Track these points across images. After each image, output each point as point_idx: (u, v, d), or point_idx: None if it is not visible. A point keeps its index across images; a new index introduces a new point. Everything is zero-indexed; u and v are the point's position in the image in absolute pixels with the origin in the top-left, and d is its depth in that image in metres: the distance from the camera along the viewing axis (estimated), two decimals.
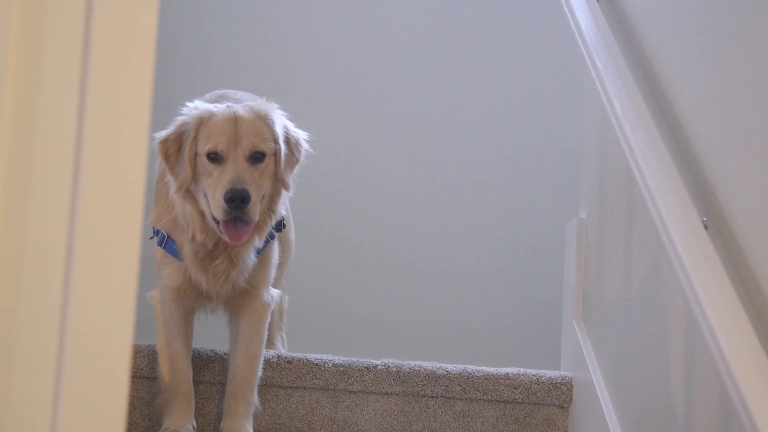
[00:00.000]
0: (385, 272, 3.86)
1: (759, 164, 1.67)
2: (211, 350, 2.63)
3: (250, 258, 2.38)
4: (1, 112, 0.93)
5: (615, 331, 2.34)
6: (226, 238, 2.24)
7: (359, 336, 3.81)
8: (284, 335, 2.92)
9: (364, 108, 3.92)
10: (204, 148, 2.26)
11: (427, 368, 2.62)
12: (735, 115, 1.79)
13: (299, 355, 2.65)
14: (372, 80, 3.93)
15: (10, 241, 0.94)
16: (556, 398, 2.60)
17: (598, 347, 2.48)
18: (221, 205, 2.21)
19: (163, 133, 2.32)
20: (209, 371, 2.59)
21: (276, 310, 2.79)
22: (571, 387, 2.60)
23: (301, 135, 2.41)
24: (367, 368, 2.61)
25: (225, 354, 2.59)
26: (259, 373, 2.47)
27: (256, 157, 2.28)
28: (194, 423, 2.45)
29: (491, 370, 2.63)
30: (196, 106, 2.35)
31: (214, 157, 2.26)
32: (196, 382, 2.53)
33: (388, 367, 2.62)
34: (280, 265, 2.61)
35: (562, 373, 2.67)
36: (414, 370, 2.62)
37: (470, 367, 2.64)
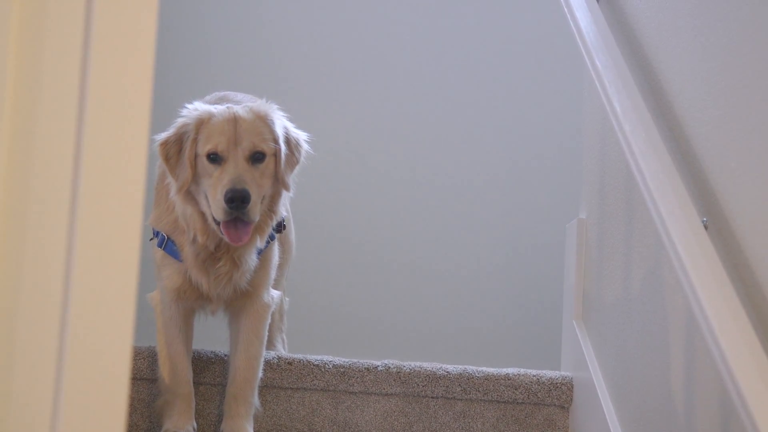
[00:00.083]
0: (385, 272, 3.86)
1: (759, 164, 1.67)
2: (212, 351, 2.62)
3: (252, 259, 2.38)
4: (1, 112, 0.93)
5: (615, 331, 2.34)
6: (226, 239, 2.24)
7: (359, 337, 3.81)
8: (284, 336, 2.92)
9: (364, 108, 3.92)
10: (204, 148, 2.27)
11: (428, 369, 2.62)
12: (735, 115, 1.79)
13: (300, 356, 2.65)
14: (372, 80, 3.93)
15: (10, 241, 0.93)
16: (556, 398, 2.60)
17: (598, 347, 2.48)
18: (221, 206, 2.21)
19: (163, 135, 2.32)
20: (209, 373, 2.59)
21: (276, 311, 2.79)
22: (572, 387, 2.60)
23: (301, 135, 2.41)
24: (368, 369, 2.61)
25: (225, 355, 2.59)
26: (260, 374, 2.47)
27: (257, 158, 2.28)
28: (195, 424, 2.45)
29: (492, 370, 2.63)
30: (195, 108, 2.35)
31: (214, 158, 2.26)
32: (197, 384, 2.53)
33: (389, 367, 2.62)
34: (281, 266, 2.61)
35: (563, 373, 2.67)
36: (414, 370, 2.62)
37: (471, 368, 2.64)
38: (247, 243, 2.29)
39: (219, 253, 2.34)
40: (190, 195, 2.30)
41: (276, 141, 2.31)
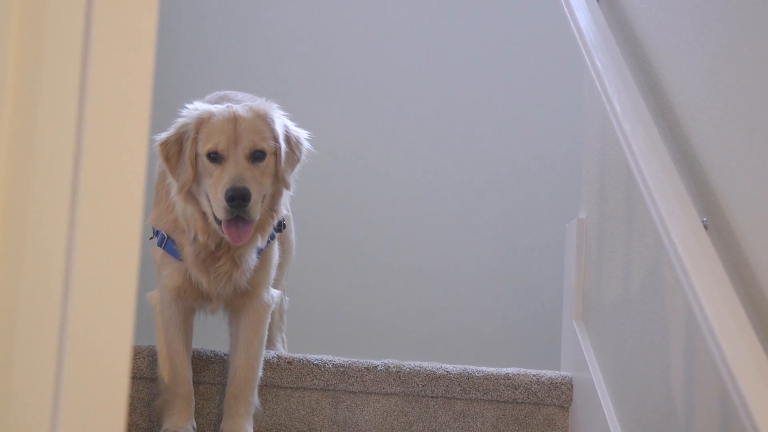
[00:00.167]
0: (385, 272, 3.86)
1: (759, 164, 1.67)
2: (212, 351, 2.63)
3: (253, 258, 2.38)
4: (1, 112, 0.93)
5: (615, 331, 2.34)
6: (228, 239, 2.24)
7: (359, 336, 3.81)
8: (284, 336, 2.92)
9: (364, 108, 3.92)
10: (204, 148, 2.27)
11: (428, 368, 2.62)
12: (735, 115, 1.79)
13: (299, 355, 2.65)
14: (372, 80, 3.93)
15: (10, 241, 0.93)
16: (556, 398, 2.60)
17: (598, 347, 2.48)
18: (222, 204, 2.21)
19: (163, 135, 2.32)
20: (209, 372, 2.59)
21: (276, 310, 2.79)
22: (572, 387, 2.60)
23: (301, 134, 2.41)
24: (367, 368, 2.61)
25: (225, 355, 2.59)
26: (260, 373, 2.47)
27: (257, 156, 2.28)
28: (194, 424, 2.45)
29: (491, 370, 2.63)
30: (195, 107, 2.35)
31: (215, 157, 2.26)
32: (196, 383, 2.53)
33: (388, 367, 2.62)
34: (281, 266, 2.61)
35: (563, 373, 2.67)
36: (414, 370, 2.62)
37: (470, 368, 2.64)
38: (248, 242, 2.29)
39: (219, 253, 2.34)
40: (191, 195, 2.30)
41: (276, 139, 2.31)
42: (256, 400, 2.46)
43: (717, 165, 1.84)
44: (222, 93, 2.59)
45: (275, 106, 2.38)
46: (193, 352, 2.54)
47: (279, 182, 2.33)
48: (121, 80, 0.97)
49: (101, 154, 0.96)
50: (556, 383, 2.61)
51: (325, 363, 2.61)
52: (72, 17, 0.95)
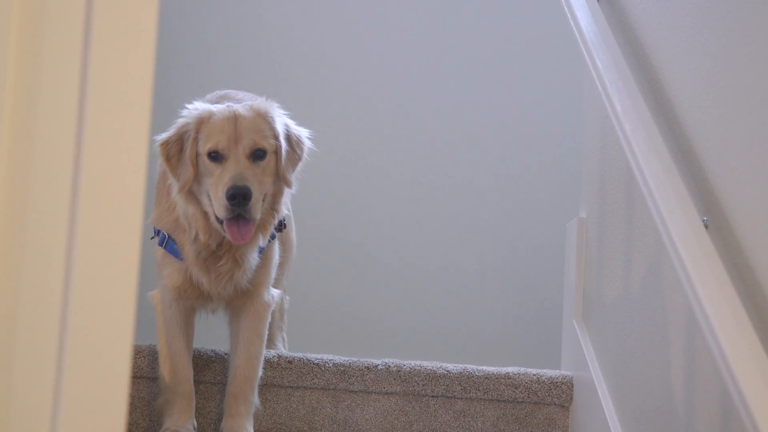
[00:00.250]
0: (385, 272, 3.86)
1: (759, 164, 1.67)
2: (212, 350, 2.63)
3: (254, 258, 2.38)
4: (1, 112, 0.93)
5: (615, 331, 2.34)
6: (229, 238, 2.24)
7: (359, 336, 3.81)
8: (285, 335, 2.92)
9: (364, 108, 3.92)
10: (205, 147, 2.27)
11: (428, 368, 2.62)
12: (735, 115, 1.79)
13: (300, 354, 2.65)
14: (372, 80, 3.93)
15: (10, 241, 0.94)
16: (556, 397, 2.60)
17: (598, 346, 2.48)
18: (223, 203, 2.21)
19: (163, 136, 2.32)
20: (210, 371, 2.59)
21: (277, 310, 2.79)
22: (572, 386, 2.60)
23: (302, 132, 2.41)
24: (368, 368, 2.61)
25: (225, 354, 2.59)
26: (260, 373, 2.47)
27: (257, 155, 2.28)
28: (195, 423, 2.45)
29: (492, 369, 2.63)
30: (195, 107, 2.35)
31: (215, 156, 2.26)
32: (197, 382, 2.54)
33: (389, 366, 2.62)
34: (281, 265, 2.61)
35: (563, 372, 2.67)
36: (414, 369, 2.62)
37: (471, 367, 2.64)
38: (250, 241, 2.29)
39: (220, 252, 2.34)
40: (192, 194, 2.31)
41: (276, 138, 2.31)
42: (256, 399, 2.46)
43: (717, 164, 1.84)
44: (222, 92, 2.58)
45: (275, 105, 2.38)
46: (194, 352, 2.54)
47: (280, 181, 2.33)
48: (122, 80, 0.97)
49: (101, 154, 0.96)
50: (557, 383, 2.61)
51: (325, 362, 2.61)
52: (72, 17, 0.95)
